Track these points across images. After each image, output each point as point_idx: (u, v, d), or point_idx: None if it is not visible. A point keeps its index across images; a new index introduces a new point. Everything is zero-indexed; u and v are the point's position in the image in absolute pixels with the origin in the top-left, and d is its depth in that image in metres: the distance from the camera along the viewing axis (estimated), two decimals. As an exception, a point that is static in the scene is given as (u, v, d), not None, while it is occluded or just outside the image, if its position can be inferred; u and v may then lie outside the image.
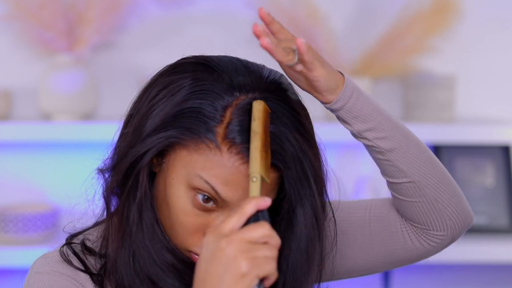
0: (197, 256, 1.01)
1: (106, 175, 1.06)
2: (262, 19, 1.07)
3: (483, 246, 2.22)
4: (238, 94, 1.00)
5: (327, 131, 2.21)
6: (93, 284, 1.05)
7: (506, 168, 2.34)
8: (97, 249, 1.08)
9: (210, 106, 0.98)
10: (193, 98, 0.99)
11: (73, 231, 1.12)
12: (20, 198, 2.31)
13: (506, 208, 2.32)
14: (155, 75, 1.09)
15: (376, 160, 1.14)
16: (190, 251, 1.02)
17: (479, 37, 2.38)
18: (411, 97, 2.29)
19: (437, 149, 2.36)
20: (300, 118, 1.06)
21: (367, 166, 2.39)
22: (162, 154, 1.01)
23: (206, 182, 0.97)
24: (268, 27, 1.07)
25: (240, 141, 0.96)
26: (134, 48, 2.33)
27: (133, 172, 1.01)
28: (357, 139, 1.15)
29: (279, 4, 2.25)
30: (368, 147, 1.14)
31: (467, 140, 2.22)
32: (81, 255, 1.07)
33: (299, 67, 1.05)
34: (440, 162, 1.15)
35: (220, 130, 0.97)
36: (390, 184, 1.15)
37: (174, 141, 0.98)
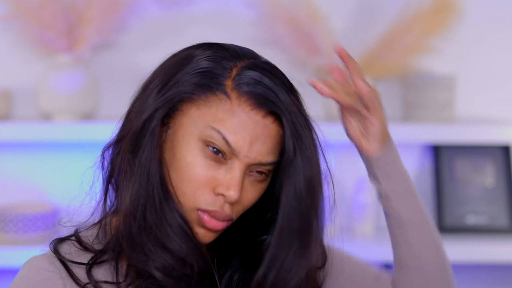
0: (205, 217, 1.06)
1: (112, 151, 1.11)
2: (340, 55, 1.15)
3: (483, 246, 2.22)
4: (242, 58, 1.09)
5: (327, 131, 2.22)
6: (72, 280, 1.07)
7: (506, 168, 2.34)
8: (93, 246, 1.11)
9: (218, 65, 1.07)
10: (202, 61, 1.07)
11: (71, 225, 1.15)
12: (20, 198, 2.31)
13: (506, 208, 2.32)
14: (158, 66, 1.14)
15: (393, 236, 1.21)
16: (198, 209, 1.06)
17: (479, 37, 2.38)
18: (411, 97, 2.29)
19: (437, 149, 2.36)
20: (292, 85, 1.12)
21: (367, 166, 2.39)
22: (168, 117, 1.07)
23: (218, 131, 1.04)
24: (344, 63, 1.14)
25: (248, 90, 1.05)
26: (134, 48, 2.33)
27: (145, 131, 1.06)
28: (381, 202, 1.20)
29: (279, 4, 2.25)
30: (388, 216, 1.20)
31: (467, 140, 2.22)
32: (68, 249, 1.10)
33: (361, 108, 1.14)
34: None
35: (228, 83, 1.06)
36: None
37: (185, 97, 1.06)
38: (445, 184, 2.34)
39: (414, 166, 2.40)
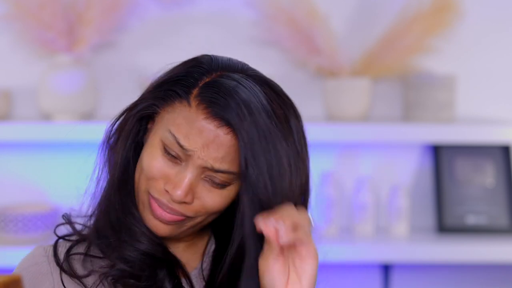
0: (154, 204, 1.14)
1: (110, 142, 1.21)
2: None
3: (483, 246, 2.22)
4: (219, 70, 1.15)
5: (327, 131, 2.22)
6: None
7: (506, 168, 2.34)
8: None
9: (190, 75, 1.14)
10: (181, 71, 1.16)
11: (71, 216, 1.25)
12: (20, 198, 2.31)
13: (506, 208, 2.32)
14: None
15: None
16: (148, 192, 1.14)
17: (479, 37, 2.38)
18: (411, 97, 2.29)
19: (437, 149, 2.36)
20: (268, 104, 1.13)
21: (367, 166, 2.39)
22: (151, 120, 1.17)
23: (173, 135, 1.11)
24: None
25: (206, 99, 1.10)
26: (134, 48, 2.33)
27: (126, 122, 1.18)
28: None
29: (279, 4, 2.25)
30: None
31: (467, 140, 2.22)
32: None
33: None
34: None
35: (194, 91, 1.12)
36: None
37: (159, 103, 1.15)
38: (445, 184, 2.34)
39: (414, 166, 2.40)
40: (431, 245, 2.21)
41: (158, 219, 1.14)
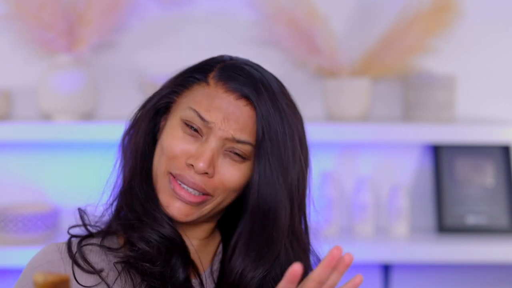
0: (176, 184, 1.17)
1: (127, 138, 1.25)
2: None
3: (483, 246, 2.22)
4: (230, 59, 1.23)
5: (327, 131, 2.22)
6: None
7: (506, 168, 2.34)
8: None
9: (207, 63, 1.23)
10: (196, 64, 1.24)
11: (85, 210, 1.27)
12: (20, 198, 2.31)
13: (506, 208, 2.32)
14: None
15: None
16: (169, 173, 1.18)
17: (479, 37, 2.38)
18: (411, 97, 2.29)
19: (437, 149, 2.36)
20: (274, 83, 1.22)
21: (367, 166, 2.39)
22: (167, 110, 1.21)
23: (194, 110, 1.17)
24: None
25: (224, 77, 1.18)
26: (134, 48, 2.33)
27: (145, 114, 1.23)
28: None
29: (279, 4, 2.25)
30: None
31: (467, 140, 2.22)
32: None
33: None
34: None
35: (211, 74, 1.20)
36: None
37: (177, 90, 1.20)
38: (445, 184, 2.34)
39: (414, 166, 2.40)
40: (431, 245, 2.21)
41: (180, 199, 1.17)
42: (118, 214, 1.23)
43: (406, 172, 2.40)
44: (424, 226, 2.39)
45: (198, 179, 1.16)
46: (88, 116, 2.25)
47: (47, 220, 2.18)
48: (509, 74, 2.41)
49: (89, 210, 1.26)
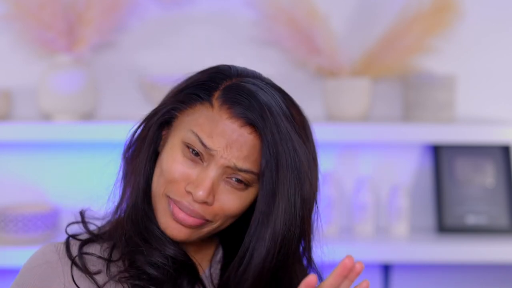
0: (174, 208, 1.14)
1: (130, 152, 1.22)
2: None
3: (483, 246, 2.22)
4: (237, 76, 1.17)
5: (327, 131, 2.22)
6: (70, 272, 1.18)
7: (506, 168, 2.34)
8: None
9: (212, 80, 1.17)
10: (202, 76, 1.18)
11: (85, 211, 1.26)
12: (20, 198, 2.31)
13: (506, 208, 2.32)
14: None
15: None
16: (167, 196, 1.15)
17: (479, 37, 2.38)
18: (411, 97, 2.29)
19: (437, 149, 2.36)
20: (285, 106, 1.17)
21: (367, 166, 2.39)
22: (168, 125, 1.18)
23: (196, 134, 1.12)
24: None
25: (229, 100, 1.13)
26: (134, 48, 2.33)
27: (148, 130, 1.19)
28: None
29: (279, 4, 2.25)
30: None
31: (467, 140, 2.22)
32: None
33: None
34: None
35: (216, 94, 1.14)
36: None
37: (179, 107, 1.16)
38: (445, 184, 2.34)
39: (414, 166, 2.40)
40: (431, 245, 2.21)
41: (179, 222, 1.14)
42: (124, 234, 1.19)
43: (406, 172, 2.40)
44: (424, 226, 2.39)
45: (196, 207, 1.13)
46: (88, 116, 2.25)
47: (47, 220, 2.18)
48: (509, 74, 2.41)
49: (90, 213, 1.25)
